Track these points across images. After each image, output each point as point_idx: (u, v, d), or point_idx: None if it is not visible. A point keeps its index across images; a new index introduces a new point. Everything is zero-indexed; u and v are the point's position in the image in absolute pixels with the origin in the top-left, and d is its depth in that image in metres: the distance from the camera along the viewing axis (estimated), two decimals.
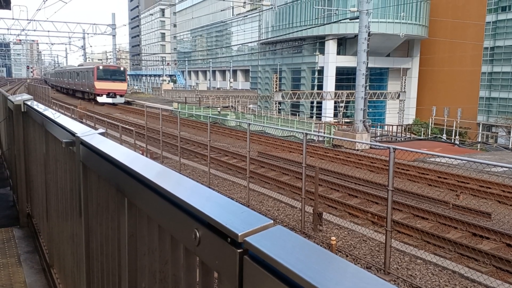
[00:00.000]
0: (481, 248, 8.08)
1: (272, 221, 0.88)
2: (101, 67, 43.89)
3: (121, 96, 44.39)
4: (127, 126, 21.82)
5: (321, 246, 7.94)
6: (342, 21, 35.98)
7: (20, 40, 71.90)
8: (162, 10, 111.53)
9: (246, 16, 67.23)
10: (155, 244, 1.30)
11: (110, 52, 65.66)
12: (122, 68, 45.50)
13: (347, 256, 7.60)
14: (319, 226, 8.98)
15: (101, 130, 2.24)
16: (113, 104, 42.93)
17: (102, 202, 1.84)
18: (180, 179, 1.25)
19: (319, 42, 52.19)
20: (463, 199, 11.68)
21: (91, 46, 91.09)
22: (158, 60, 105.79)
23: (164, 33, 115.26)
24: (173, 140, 19.55)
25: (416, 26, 51.51)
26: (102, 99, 42.92)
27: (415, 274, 6.88)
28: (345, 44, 52.76)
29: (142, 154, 16.28)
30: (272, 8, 34.91)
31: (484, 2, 50.58)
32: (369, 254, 7.73)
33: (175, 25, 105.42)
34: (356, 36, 20.77)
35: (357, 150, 18.66)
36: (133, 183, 1.38)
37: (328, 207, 11.00)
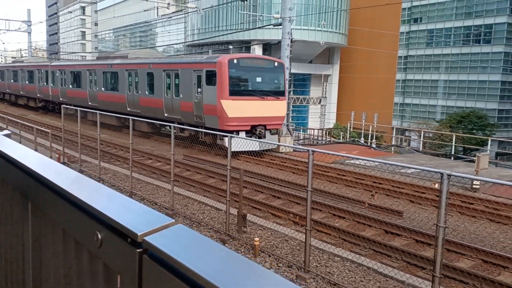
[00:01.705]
0: (393, 245, 8.62)
1: (173, 220, 0.90)
2: (235, 61, 17.70)
3: (273, 133, 18.95)
4: (42, 128, 20.64)
5: (245, 247, 8.01)
6: (266, 27, 36.72)
7: None
8: (83, 8, 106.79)
9: (171, 17, 66.31)
10: (59, 249, 1.27)
11: (25, 50, 61.48)
12: (276, 63, 19.15)
13: (269, 256, 7.75)
14: (244, 227, 9.07)
15: (6, 132, 2.13)
16: (258, 155, 17.13)
17: (5, 206, 1.75)
18: (82, 180, 1.23)
19: (245, 47, 52.76)
20: (377, 198, 12.37)
21: (3, 43, 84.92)
22: (78, 59, 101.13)
23: (84, 32, 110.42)
24: (93, 143, 18.78)
25: (336, 34, 53.74)
26: (238, 145, 13.73)
27: (333, 271, 7.18)
28: (270, 49, 53.78)
29: (59, 157, 15.47)
30: (197, 11, 34.80)
31: (398, 13, 53.98)
32: (291, 253, 7.95)
33: (96, 24, 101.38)
34: (279, 42, 21.29)
35: (281, 153, 19.08)
36: (35, 185, 1.33)
37: (252, 208, 11.15)
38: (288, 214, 10.61)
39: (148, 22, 76.19)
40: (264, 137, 17.96)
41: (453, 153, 24.77)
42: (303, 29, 49.41)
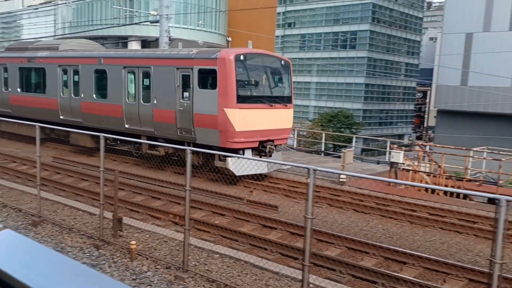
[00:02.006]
0: (269, 238, 9.01)
1: (1, 226, 0.84)
2: (242, 57, 13.53)
3: (278, 150, 15.41)
4: None
5: (121, 251, 7.71)
6: (144, 23, 35.76)
7: None
8: None
9: (38, 8, 61.18)
10: None
11: None
12: (283, 62, 15.36)
13: (147, 258, 7.58)
14: (120, 231, 8.74)
15: None
16: (260, 178, 13.97)
17: None
18: None
19: (122, 43, 50.77)
20: (256, 194, 12.81)
21: None
22: None
23: None
24: None
25: (215, 34, 54.42)
26: (244, 167, 12.95)
27: (212, 268, 7.27)
28: (149, 46, 52.55)
29: None
30: (67, 3, 32.50)
31: (274, 17, 56.44)
32: (169, 254, 7.86)
33: None
34: (158, 39, 20.90)
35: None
36: None
37: (130, 211, 10.79)
38: (168, 215, 10.49)
39: (12, 13, 69.37)
40: (270, 152, 14.18)
41: (323, 149, 26.66)
42: (183, 28, 49.12)
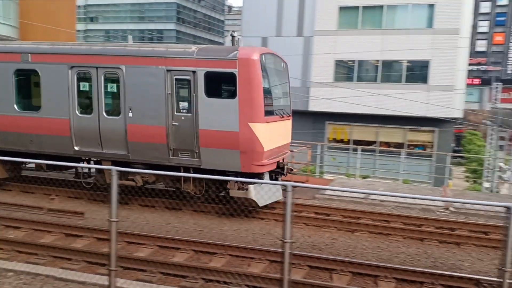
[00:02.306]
0: (74, 247, 8.43)
1: None
2: (264, 58, 10.63)
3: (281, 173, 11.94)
4: None
5: None
6: None
7: None
8: None
9: None
10: None
11: None
12: (283, 63, 12.56)
13: None
14: None
15: None
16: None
17: None
18: None
19: None
20: (58, 202, 11.85)
21: None
22: None
23: None
24: None
25: (4, 26, 48.34)
26: (263, 197, 10.85)
27: None
28: None
29: None
30: None
31: (73, 10, 52.76)
32: None
33: None
34: None
35: None
36: None
37: None
38: None
39: None
40: (283, 171, 11.94)
41: None
42: None
